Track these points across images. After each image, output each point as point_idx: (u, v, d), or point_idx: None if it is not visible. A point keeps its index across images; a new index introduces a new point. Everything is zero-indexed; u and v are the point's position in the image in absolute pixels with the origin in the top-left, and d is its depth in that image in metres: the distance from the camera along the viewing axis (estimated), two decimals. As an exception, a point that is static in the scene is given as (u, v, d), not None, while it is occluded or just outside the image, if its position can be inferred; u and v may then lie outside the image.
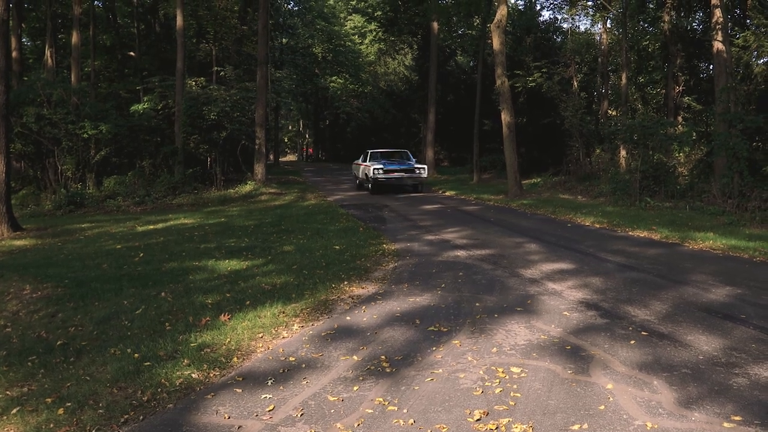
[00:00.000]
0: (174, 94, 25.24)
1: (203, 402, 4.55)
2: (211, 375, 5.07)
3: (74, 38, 26.39)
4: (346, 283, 8.16)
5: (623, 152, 22.95)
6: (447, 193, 24.68)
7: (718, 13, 18.56)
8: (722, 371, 4.88)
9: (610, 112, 31.37)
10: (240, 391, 4.72)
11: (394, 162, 24.36)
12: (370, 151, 25.84)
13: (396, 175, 23.08)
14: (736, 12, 25.36)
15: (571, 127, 25.06)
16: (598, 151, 26.27)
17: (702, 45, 26.45)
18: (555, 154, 27.99)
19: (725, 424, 3.97)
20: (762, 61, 22.56)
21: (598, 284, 7.88)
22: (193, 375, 5.03)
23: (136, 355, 5.47)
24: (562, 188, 23.00)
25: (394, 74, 51.71)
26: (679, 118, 26.87)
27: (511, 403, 4.37)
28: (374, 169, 22.75)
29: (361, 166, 25.17)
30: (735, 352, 5.30)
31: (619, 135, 21.06)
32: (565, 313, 6.58)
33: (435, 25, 32.43)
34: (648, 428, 3.94)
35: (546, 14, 78.39)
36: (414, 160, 25.80)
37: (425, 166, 24.51)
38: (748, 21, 24.96)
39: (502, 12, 22.00)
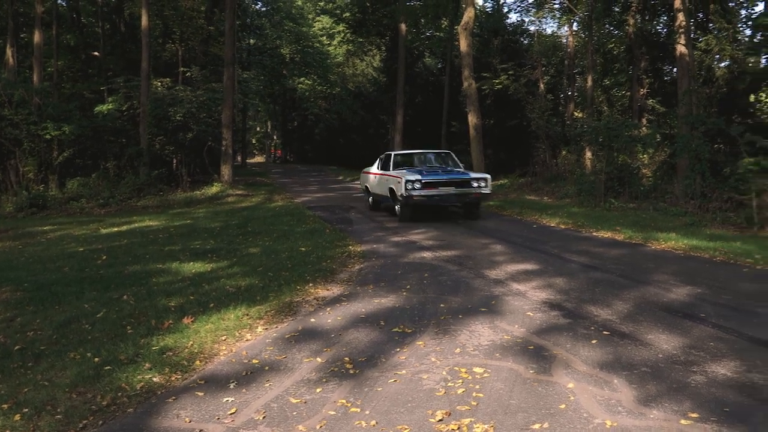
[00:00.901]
0: (139, 95, 24.89)
1: (164, 406, 4.49)
2: (173, 378, 5.01)
3: (36, 37, 25.90)
4: (311, 284, 8.13)
5: (589, 154, 23.21)
6: None
7: (681, 17, 18.87)
8: (681, 369, 4.96)
9: (576, 114, 31.69)
10: (202, 394, 4.67)
11: (437, 170, 15.56)
12: (393, 154, 16.94)
13: (442, 191, 14.28)
14: (699, 16, 25.82)
15: (538, 128, 25.30)
16: (564, 152, 26.53)
17: (666, 48, 26.86)
18: (522, 156, 28.20)
19: (682, 422, 4.04)
20: (723, 64, 23.02)
21: (561, 284, 7.95)
22: (155, 379, 4.96)
23: (96, 359, 5.39)
24: (528, 189, 23.19)
25: (363, 76, 51.75)
26: (644, 120, 27.26)
27: (474, 403, 4.38)
28: (407, 181, 13.99)
29: (382, 178, 16.24)
30: (693, 350, 5.39)
31: (585, 137, 21.27)
32: (528, 313, 6.63)
33: (403, 26, 32.49)
34: (607, 426, 3.99)
35: (513, 17, 79.17)
36: (462, 165, 16.80)
37: (487, 176, 14.85)
38: (710, 25, 25.45)
39: (469, 14, 22.12)
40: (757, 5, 23.07)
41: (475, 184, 14.34)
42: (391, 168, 15.85)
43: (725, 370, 4.91)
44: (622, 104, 34.52)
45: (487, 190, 14.54)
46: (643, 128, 23.84)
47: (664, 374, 4.86)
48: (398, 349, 5.53)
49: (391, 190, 15.10)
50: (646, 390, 4.55)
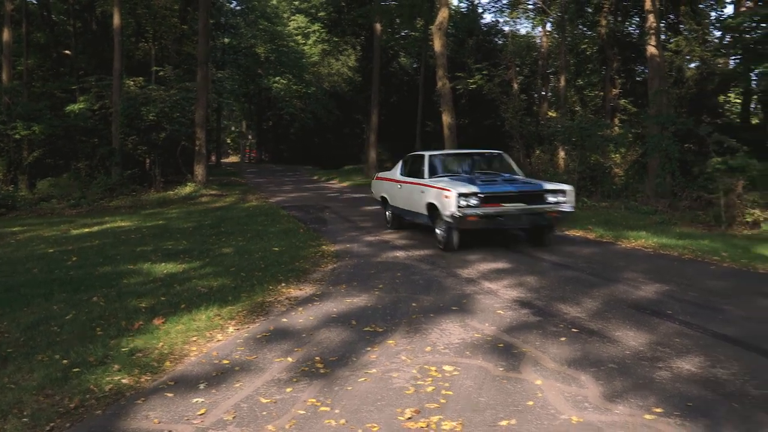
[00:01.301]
0: (111, 94, 24.67)
1: (133, 407, 4.47)
2: (143, 380, 4.98)
3: (5, 35, 25.55)
4: (284, 284, 8.13)
5: (562, 153, 23.44)
6: None
7: (651, 18, 19.13)
8: (647, 365, 5.03)
9: (549, 113, 31.98)
10: (171, 395, 4.65)
11: (493, 178, 11.32)
12: (427, 155, 12.38)
13: (508, 208, 10.29)
14: (669, 17, 26.18)
15: (512, 128, 25.45)
16: (537, 152, 26.74)
17: (637, 49, 27.21)
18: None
19: (646, 416, 4.10)
20: (693, 65, 23.36)
21: (533, 283, 8.02)
22: (124, 380, 4.93)
23: (64, 361, 5.33)
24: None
25: (338, 75, 51.69)
26: (616, 120, 27.59)
27: (443, 401, 4.42)
28: (460, 195, 10.02)
29: (413, 188, 11.93)
30: (660, 346, 5.47)
31: (558, 136, 21.49)
32: (499, 311, 6.69)
33: (378, 26, 32.53)
34: (573, 422, 4.04)
35: (488, 17, 79.46)
36: (520, 172, 12.41)
37: (568, 188, 10.83)
38: (681, 26, 25.82)
39: (443, 14, 22.23)
40: (726, 7, 23.43)
41: (552, 199, 10.36)
42: (426, 174, 11.63)
43: (690, 366, 5.00)
44: (595, 104, 34.91)
45: (568, 207, 10.46)
46: (615, 128, 24.11)
47: (630, 370, 4.93)
48: (369, 348, 5.55)
49: (431, 207, 10.77)
50: (613, 386, 4.62)
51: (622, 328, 6.02)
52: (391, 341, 5.74)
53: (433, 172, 11.71)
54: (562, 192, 10.54)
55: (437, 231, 10.80)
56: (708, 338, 5.68)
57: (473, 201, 9.95)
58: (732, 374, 4.82)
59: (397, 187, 12.83)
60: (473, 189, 10.07)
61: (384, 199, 13.82)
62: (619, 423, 4.03)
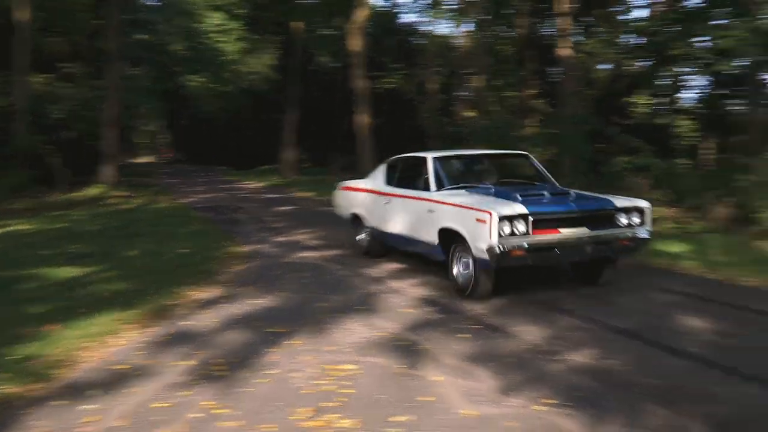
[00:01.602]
0: (15, 91, 23.59)
1: (21, 417, 4.31)
2: (34, 388, 4.80)
3: None
4: (190, 287, 7.97)
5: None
6: (304, 194, 23.28)
7: (564, 21, 19.72)
8: (542, 359, 5.21)
9: (467, 113, 32.50)
10: (63, 403, 4.50)
11: (538, 193, 7.62)
12: (431, 157, 8.58)
13: (570, 234, 6.96)
14: (583, 20, 27.01)
15: (429, 128, 25.79)
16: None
17: (552, 51, 27.97)
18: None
19: (538, 407, 4.25)
20: (605, 67, 24.22)
21: (439, 281, 8.12)
22: (12, 389, 4.74)
23: (-51, 371, 5.09)
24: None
25: (257, 74, 51.01)
26: (532, 120, 28.29)
27: (343, 399, 4.44)
28: (503, 219, 6.62)
29: (410, 204, 8.57)
30: (556, 340, 5.66)
31: (474, 136, 21.87)
32: (404, 309, 6.77)
33: (298, 24, 32.34)
34: (467, 416, 4.14)
35: (408, 17, 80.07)
36: (555, 182, 8.95)
37: (647, 206, 7.45)
38: (593, 29, 26.68)
39: (362, 13, 22.34)
40: (632, 11, 24.35)
41: (623, 220, 7.29)
42: (432, 185, 8.14)
43: (583, 358, 5.19)
44: (512, 105, 35.65)
45: (645, 233, 7.33)
46: (528, 128, 24.72)
47: (526, 364, 5.08)
48: (272, 350, 5.51)
49: (447, 234, 7.53)
50: (508, 379, 4.75)
51: (523, 323, 6.19)
52: (294, 342, 5.72)
53: (441, 183, 8.15)
54: (638, 211, 7.37)
55: (455, 270, 7.48)
56: (602, 331, 5.91)
57: (521, 227, 6.66)
58: (621, 365, 5.03)
59: (382, 201, 9.29)
60: (520, 209, 6.71)
61: (357, 218, 10.19)
62: (510, 414, 4.15)
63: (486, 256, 6.71)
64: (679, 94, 20.91)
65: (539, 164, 9.15)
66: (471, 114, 32.32)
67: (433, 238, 7.74)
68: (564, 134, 18.42)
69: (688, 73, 20.00)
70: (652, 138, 18.05)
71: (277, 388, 4.69)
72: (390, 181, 9.42)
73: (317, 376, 4.87)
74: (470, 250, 7.02)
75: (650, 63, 20.59)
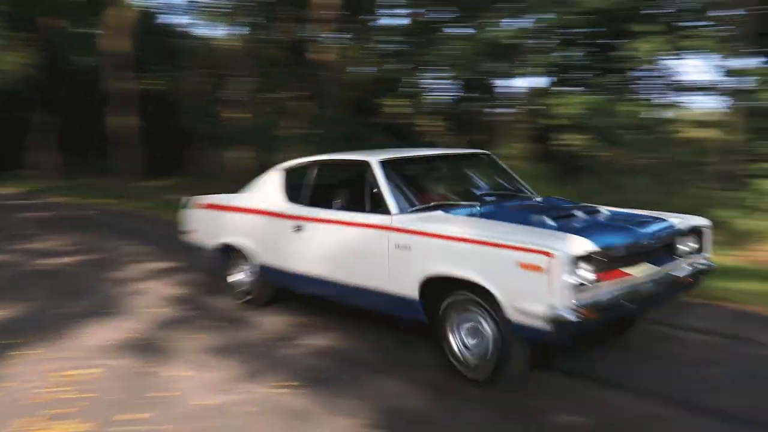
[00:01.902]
0: None
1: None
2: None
3: None
4: None
5: (237, 153, 24.13)
6: (60, 199, 21.16)
7: (325, 27, 20.65)
8: (283, 345, 5.63)
9: (232, 115, 32.40)
10: None
11: (569, 213, 4.90)
12: (377, 161, 5.48)
13: (644, 276, 4.51)
14: (343, 25, 28.08)
15: (196, 129, 25.45)
16: (222, 152, 26.99)
17: (309, 54, 28.83)
18: (182, 156, 28.09)
19: (274, 390, 4.63)
20: (363, 70, 25.48)
21: (197, 279, 8.22)
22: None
23: None
24: (188, 189, 23.15)
25: (8, 72, 46.41)
26: (299, 122, 28.91)
27: (83, 404, 4.46)
28: (575, 263, 3.93)
29: (366, 238, 5.27)
30: (297, 327, 6.11)
31: (238, 137, 22.06)
32: (153, 309, 6.84)
33: (55, 22, 30.28)
34: (206, 405, 4.40)
35: (173, 18, 77.58)
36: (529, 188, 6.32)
37: (707, 225, 5.17)
38: (351, 35, 27.88)
39: (120, 12, 21.53)
40: (381, 19, 26.05)
41: (685, 248, 5.02)
42: (391, 205, 5.18)
43: (324, 341, 5.69)
44: (278, 107, 36.03)
45: (705, 263, 5.21)
46: (291, 128, 25.34)
47: (268, 352, 5.46)
48: (9, 362, 5.32)
49: (448, 287, 4.71)
50: (248, 368, 5.08)
51: (264, 314, 6.54)
52: (35, 351, 5.56)
53: (405, 202, 5.28)
54: (698, 233, 5.20)
55: (455, 344, 4.79)
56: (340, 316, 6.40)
57: (587, 273, 4.08)
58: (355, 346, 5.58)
59: (285, 228, 6.15)
60: (587, 244, 4.13)
61: (232, 250, 6.98)
62: (245, 400, 4.47)
63: (542, 324, 4.06)
64: (429, 96, 22.49)
65: (505, 164, 6.70)
66: (236, 115, 32.35)
67: (407, 289, 4.95)
68: (325, 135, 19.20)
69: (435, 78, 21.68)
70: (402, 136, 19.43)
71: (11, 399, 4.58)
72: (296, 197, 6.28)
73: (57, 384, 4.82)
74: (498, 310, 4.36)
75: (403, 68, 22.10)
